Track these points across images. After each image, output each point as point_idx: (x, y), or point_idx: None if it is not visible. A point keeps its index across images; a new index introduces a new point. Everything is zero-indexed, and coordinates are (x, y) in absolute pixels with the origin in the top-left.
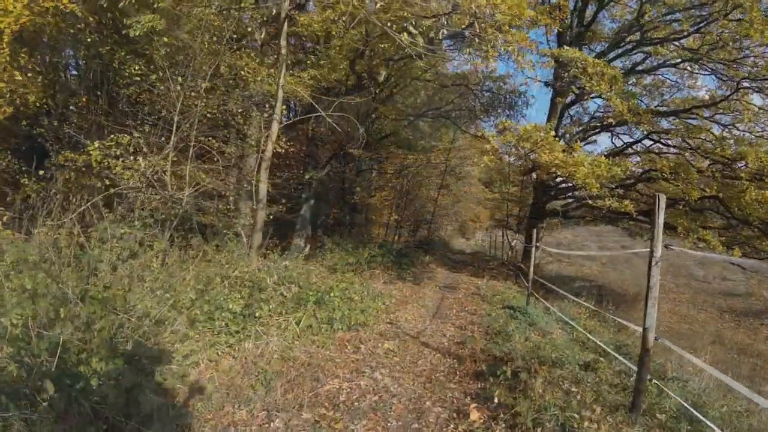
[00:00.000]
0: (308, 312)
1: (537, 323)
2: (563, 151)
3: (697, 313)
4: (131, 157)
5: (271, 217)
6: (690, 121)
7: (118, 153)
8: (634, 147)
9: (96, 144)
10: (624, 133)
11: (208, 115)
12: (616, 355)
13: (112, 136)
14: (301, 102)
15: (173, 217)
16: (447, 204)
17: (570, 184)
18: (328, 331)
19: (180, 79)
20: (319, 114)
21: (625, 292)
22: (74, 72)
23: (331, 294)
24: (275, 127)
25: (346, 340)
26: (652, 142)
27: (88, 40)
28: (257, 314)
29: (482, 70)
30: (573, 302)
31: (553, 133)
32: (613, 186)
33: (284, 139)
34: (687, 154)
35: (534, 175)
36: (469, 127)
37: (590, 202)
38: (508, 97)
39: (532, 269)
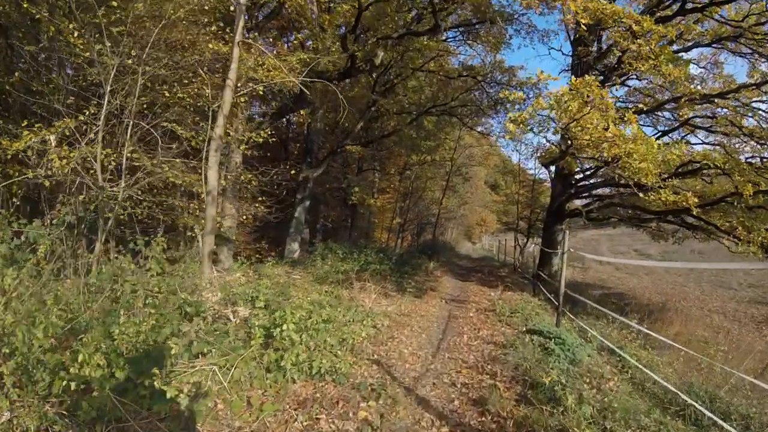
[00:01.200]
0: (250, 352)
1: (580, 359)
2: (614, 123)
3: (731, 323)
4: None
5: (252, 217)
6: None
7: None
8: (670, 135)
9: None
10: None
11: (165, 94)
12: (718, 420)
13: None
14: (291, 90)
15: (105, 216)
16: (452, 206)
17: (592, 181)
18: (275, 385)
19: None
20: (308, 105)
21: (648, 300)
22: None
23: (293, 319)
24: (228, 95)
25: (300, 402)
26: (689, 131)
27: None
28: (164, 359)
29: (490, 61)
30: (601, 317)
31: (607, 92)
32: (666, 176)
33: (268, 130)
34: (734, 141)
35: (553, 169)
36: (476, 125)
37: (640, 195)
38: (519, 89)
39: (563, 282)
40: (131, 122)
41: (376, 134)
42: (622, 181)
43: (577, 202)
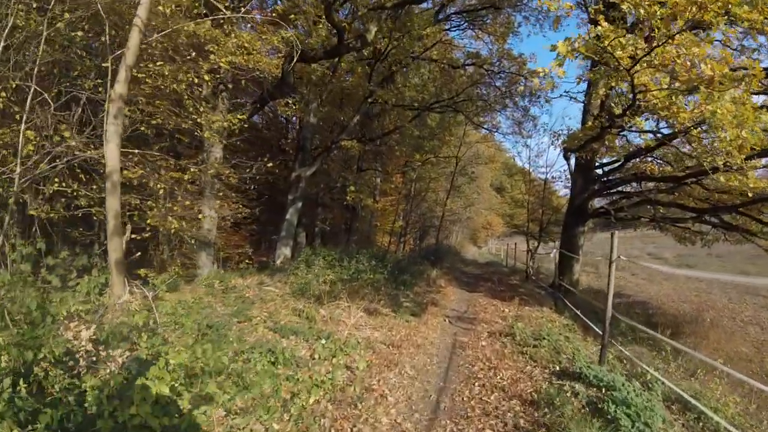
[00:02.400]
0: None
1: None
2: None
3: None
4: None
5: (231, 219)
6: None
7: None
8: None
9: None
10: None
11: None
12: None
13: None
14: (272, 73)
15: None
16: (458, 208)
17: (618, 175)
18: None
19: None
20: (293, 92)
21: (675, 311)
22: None
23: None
24: (136, 39)
25: None
26: None
27: None
28: None
29: (497, 49)
30: (641, 339)
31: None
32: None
33: (241, 115)
34: None
35: (573, 162)
36: (483, 123)
37: (722, 179)
38: (529, 80)
39: (609, 304)
40: (32, 88)
41: (376, 132)
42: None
43: (596, 201)
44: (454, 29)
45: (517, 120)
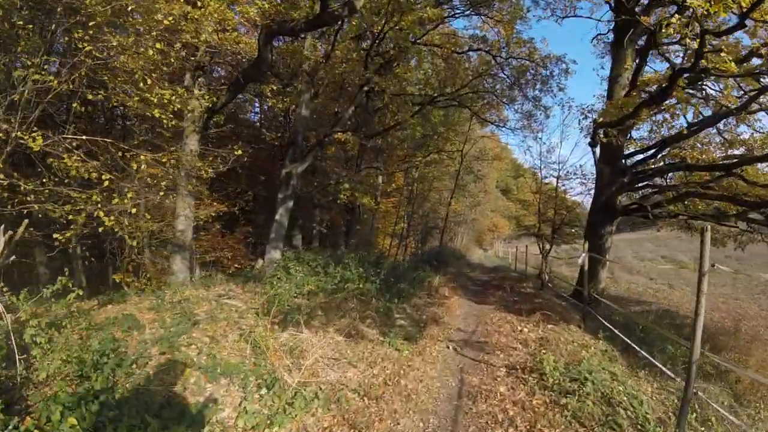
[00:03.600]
0: None
1: None
2: None
3: None
4: None
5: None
6: None
7: None
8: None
9: None
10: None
11: None
12: None
13: None
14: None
15: None
16: (463, 209)
17: (654, 165)
18: None
19: None
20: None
21: (707, 320)
22: None
23: None
24: None
25: None
26: None
27: None
28: None
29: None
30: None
31: None
32: None
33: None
34: None
35: (597, 152)
36: (491, 119)
37: None
38: (541, 66)
39: (698, 337)
40: None
41: (376, 129)
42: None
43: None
44: (459, 16)
45: (527, 113)
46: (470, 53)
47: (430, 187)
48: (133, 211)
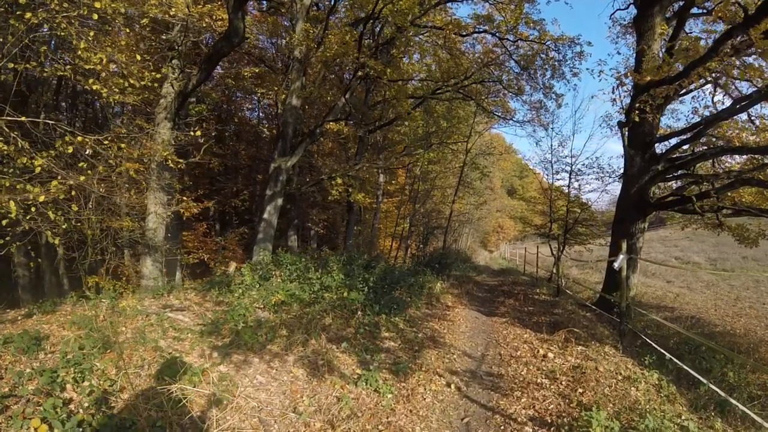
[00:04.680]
0: None
1: None
2: None
3: None
4: None
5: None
6: None
7: None
8: None
9: None
10: None
11: None
12: None
13: None
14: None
15: None
16: (468, 207)
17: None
18: None
19: None
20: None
21: (742, 327)
22: None
23: None
24: None
25: None
26: None
27: None
28: None
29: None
30: None
31: None
32: None
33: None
34: None
35: (627, 134)
36: (495, 110)
37: None
38: (552, 49)
39: None
40: None
41: (375, 123)
42: None
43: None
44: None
45: (536, 103)
46: (475, 45)
47: (433, 185)
48: (41, 199)
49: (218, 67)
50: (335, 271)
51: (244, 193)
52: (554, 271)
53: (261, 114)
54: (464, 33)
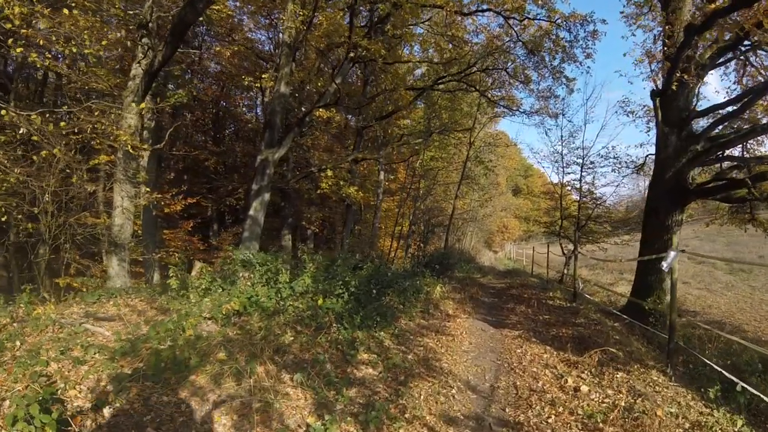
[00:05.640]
0: None
1: None
2: None
3: None
4: None
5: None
6: None
7: None
8: None
9: None
10: None
11: None
12: None
13: None
14: None
15: None
16: (472, 204)
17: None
18: None
19: None
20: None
21: None
22: None
23: None
24: None
25: None
26: None
27: None
28: None
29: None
30: None
31: None
32: None
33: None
34: None
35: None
36: (501, 100)
37: None
38: (563, 27)
39: None
40: None
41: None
42: None
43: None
44: None
45: (545, 91)
46: (478, 34)
47: (435, 181)
48: None
49: (217, 66)
50: (307, 272)
51: (239, 191)
52: (566, 271)
53: (258, 112)
54: (466, 11)
